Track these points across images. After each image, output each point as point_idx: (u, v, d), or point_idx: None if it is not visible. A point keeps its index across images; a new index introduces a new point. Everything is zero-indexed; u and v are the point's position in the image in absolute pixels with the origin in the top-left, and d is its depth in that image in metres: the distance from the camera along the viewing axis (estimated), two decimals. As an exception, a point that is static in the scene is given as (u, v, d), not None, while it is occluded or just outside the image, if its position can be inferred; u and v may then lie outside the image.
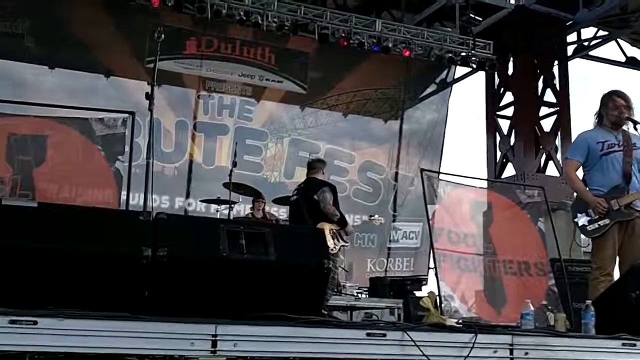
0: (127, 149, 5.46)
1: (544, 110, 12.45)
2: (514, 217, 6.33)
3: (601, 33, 12.74)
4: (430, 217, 5.93)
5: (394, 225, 11.90)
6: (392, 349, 2.82)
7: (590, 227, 4.69)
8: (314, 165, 6.76)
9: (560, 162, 11.53)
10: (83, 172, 5.51)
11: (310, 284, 3.12)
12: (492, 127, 12.86)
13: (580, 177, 4.90)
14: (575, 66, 12.99)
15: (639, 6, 11.46)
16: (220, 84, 11.14)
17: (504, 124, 12.69)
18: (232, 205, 8.01)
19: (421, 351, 2.80)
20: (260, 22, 9.93)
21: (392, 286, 8.05)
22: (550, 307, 5.72)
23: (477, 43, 11.15)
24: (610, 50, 13.31)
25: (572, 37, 12.73)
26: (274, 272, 3.03)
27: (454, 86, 12.82)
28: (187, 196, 10.72)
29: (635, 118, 4.83)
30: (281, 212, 9.31)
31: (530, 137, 12.10)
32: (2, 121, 5.41)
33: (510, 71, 12.61)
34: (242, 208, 9.61)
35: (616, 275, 4.64)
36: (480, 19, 12.09)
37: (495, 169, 12.61)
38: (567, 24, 11.71)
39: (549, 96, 12.48)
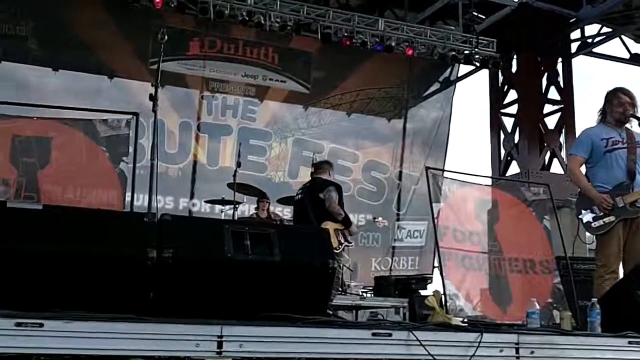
0: (131, 150, 5.47)
1: (548, 108, 12.42)
2: (519, 215, 6.31)
3: (605, 30, 12.70)
4: (435, 215, 5.91)
5: (399, 224, 11.88)
6: (397, 348, 2.82)
7: (595, 224, 4.67)
8: (320, 165, 6.78)
9: (565, 159, 11.50)
10: (87, 174, 5.51)
11: (315, 284, 3.12)
12: (496, 125, 12.83)
13: (583, 174, 4.88)
14: (579, 63, 12.98)
15: (643, 2, 11.44)
16: (223, 84, 11.15)
17: (508, 122, 12.67)
18: (237, 206, 8.02)
19: (427, 351, 2.80)
20: (262, 22, 9.93)
21: (397, 285, 8.05)
22: (555, 305, 5.70)
23: (480, 41, 11.13)
24: (614, 47, 13.28)
25: (575, 34, 12.69)
26: (279, 273, 3.03)
27: (458, 84, 12.81)
28: (191, 197, 10.73)
29: (640, 115, 4.82)
30: (285, 212, 9.31)
31: (534, 135, 12.08)
32: (7, 123, 5.42)
33: (514, 69, 12.58)
34: (247, 208, 9.63)
35: (620, 273, 4.63)
36: (484, 17, 12.08)
37: (499, 166, 12.59)
38: (571, 20, 11.68)
39: (553, 93, 12.44)
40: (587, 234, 4.94)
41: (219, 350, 2.55)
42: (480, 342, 2.91)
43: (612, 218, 4.60)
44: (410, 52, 10.87)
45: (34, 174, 5.29)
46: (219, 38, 10.96)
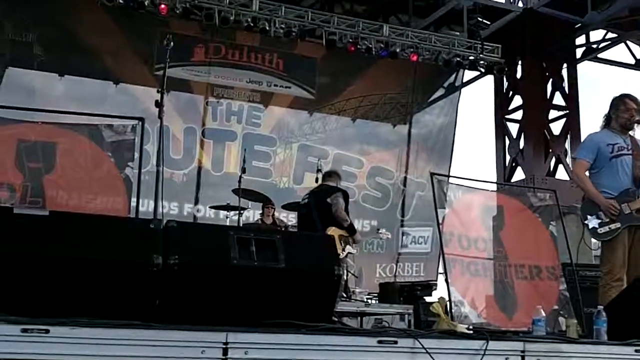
0: (136, 155, 5.47)
1: (553, 114, 12.41)
2: (525, 221, 6.28)
3: (610, 35, 12.68)
4: (440, 221, 5.90)
5: (404, 230, 11.86)
6: (403, 356, 2.81)
7: (601, 230, 4.63)
8: (330, 174, 6.91)
9: (570, 165, 11.47)
10: (93, 179, 5.51)
11: (320, 291, 3.11)
12: (501, 130, 12.82)
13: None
14: (584, 69, 12.96)
15: (649, 8, 11.41)
16: (228, 90, 11.17)
17: (513, 128, 12.66)
18: (242, 212, 8.02)
19: (432, 358, 2.79)
20: (267, 28, 9.96)
21: (402, 292, 8.03)
22: (561, 312, 5.67)
23: (485, 47, 11.14)
24: (619, 52, 13.27)
25: (580, 40, 12.68)
26: (285, 279, 3.03)
27: (463, 90, 12.80)
28: (196, 202, 10.74)
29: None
30: (290, 218, 9.31)
31: (539, 141, 12.06)
32: (12, 128, 5.43)
33: (518, 74, 12.58)
34: (251, 214, 9.63)
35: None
36: (488, 23, 12.09)
37: (504, 172, 12.57)
38: (576, 26, 11.69)
39: (558, 99, 12.44)
40: (592, 239, 4.92)
41: (224, 357, 2.55)
42: (486, 349, 2.89)
43: (618, 224, 4.57)
44: (415, 58, 10.88)
45: (40, 179, 5.30)
46: (223, 44, 10.99)
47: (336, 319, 3.65)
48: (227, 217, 8.50)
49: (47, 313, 2.51)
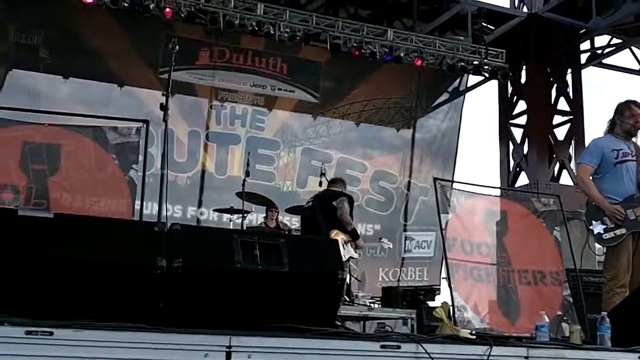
0: (140, 158, 5.48)
1: (557, 119, 12.39)
2: (529, 226, 6.27)
3: (615, 41, 12.67)
4: (443, 226, 5.89)
5: (407, 234, 11.85)
6: (406, 361, 2.81)
7: (606, 236, 4.62)
8: (335, 180, 7.01)
9: (575, 171, 11.45)
10: (97, 181, 5.52)
11: (323, 295, 3.11)
12: (505, 135, 12.81)
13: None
14: (588, 74, 12.95)
15: (654, 14, 11.39)
16: (232, 94, 11.19)
17: (517, 133, 12.65)
18: (245, 215, 8.02)
19: (436, 363, 2.79)
20: (272, 32, 9.98)
21: (405, 296, 8.01)
22: (565, 318, 5.65)
23: (489, 52, 11.13)
24: (624, 58, 13.25)
25: (585, 45, 12.68)
26: (288, 283, 3.03)
27: (467, 95, 12.80)
28: (199, 205, 10.75)
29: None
30: (294, 222, 9.31)
31: (543, 146, 12.04)
32: (17, 130, 5.44)
33: (523, 79, 12.57)
34: (255, 217, 9.63)
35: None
36: (493, 28, 12.09)
37: (508, 177, 12.56)
38: (581, 31, 11.67)
39: (563, 104, 12.42)
40: (597, 245, 4.90)
41: (227, 360, 2.55)
42: (489, 355, 2.89)
43: (623, 230, 4.56)
44: (419, 62, 10.89)
45: (44, 181, 5.31)
46: (228, 48, 11.01)
47: (339, 323, 3.65)
48: (230, 221, 8.50)
49: (51, 315, 2.52)
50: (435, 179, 6.30)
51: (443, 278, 9.00)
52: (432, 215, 7.34)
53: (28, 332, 2.35)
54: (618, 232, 4.57)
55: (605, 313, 3.73)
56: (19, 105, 6.63)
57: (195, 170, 10.87)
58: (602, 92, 18.22)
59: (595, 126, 12.13)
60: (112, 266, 2.80)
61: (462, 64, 11.01)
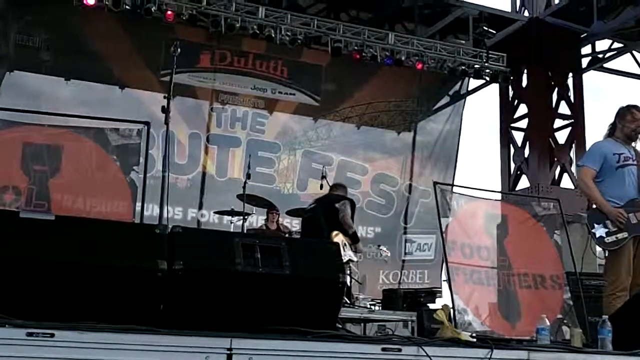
0: (141, 160, 5.48)
1: (558, 123, 12.39)
2: (529, 230, 6.28)
3: (616, 45, 12.68)
4: (443, 230, 5.90)
5: (408, 237, 11.84)
6: (407, 364, 2.81)
7: (608, 239, 4.61)
8: (336, 186, 7.10)
9: (575, 174, 11.45)
10: (98, 183, 5.53)
11: (325, 297, 3.11)
12: (506, 139, 12.81)
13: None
14: (589, 78, 12.96)
15: (655, 18, 11.41)
16: (233, 96, 11.19)
17: (518, 136, 12.65)
18: (246, 217, 8.02)
19: (437, 366, 2.78)
20: (273, 35, 9.99)
21: (406, 298, 8.00)
22: (565, 321, 5.66)
23: (490, 55, 11.14)
24: (625, 62, 13.27)
25: (586, 49, 12.69)
26: (289, 286, 3.03)
27: (468, 98, 12.80)
28: (200, 207, 10.75)
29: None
30: (294, 224, 9.31)
31: (544, 149, 12.04)
32: (18, 131, 5.45)
33: (524, 83, 12.57)
34: (255, 219, 9.63)
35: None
36: (494, 32, 12.11)
37: (509, 181, 12.55)
38: (582, 36, 11.68)
39: (564, 108, 12.43)
40: (598, 248, 4.90)
41: (228, 363, 2.55)
42: (490, 358, 2.89)
43: (625, 234, 4.56)
44: (420, 66, 10.90)
45: (45, 183, 5.31)
46: (229, 51, 11.02)
47: (340, 326, 3.65)
48: (231, 223, 8.51)
49: (52, 317, 2.52)
50: (435, 183, 6.32)
51: (444, 281, 9.00)
52: (433, 217, 7.34)
53: (29, 334, 2.35)
54: (620, 235, 4.56)
55: (607, 316, 3.72)
56: (20, 107, 6.64)
57: (195, 173, 10.87)
58: (603, 96, 18.27)
59: (596, 130, 12.13)
60: (113, 268, 2.80)
61: (463, 67, 11.02)
